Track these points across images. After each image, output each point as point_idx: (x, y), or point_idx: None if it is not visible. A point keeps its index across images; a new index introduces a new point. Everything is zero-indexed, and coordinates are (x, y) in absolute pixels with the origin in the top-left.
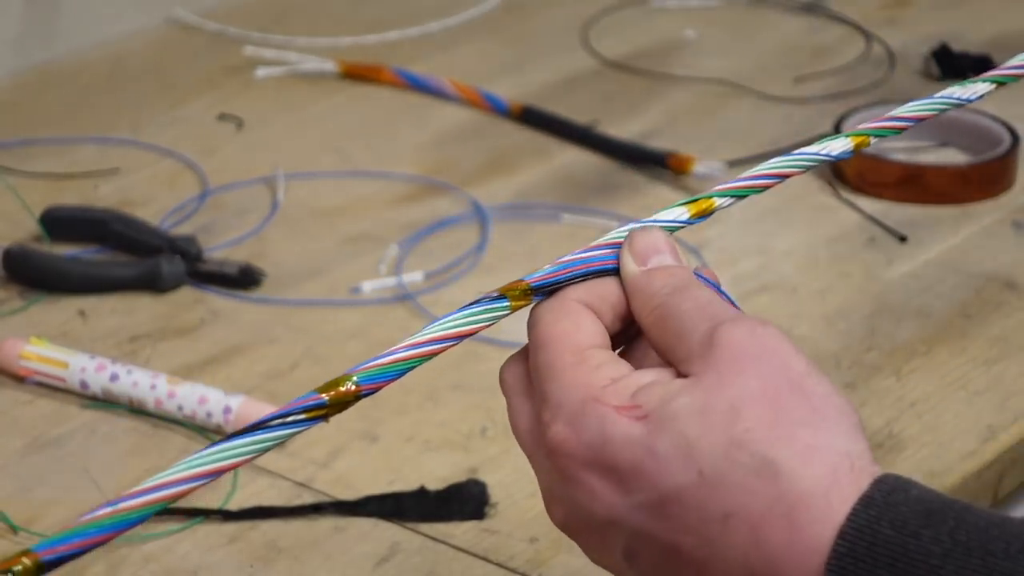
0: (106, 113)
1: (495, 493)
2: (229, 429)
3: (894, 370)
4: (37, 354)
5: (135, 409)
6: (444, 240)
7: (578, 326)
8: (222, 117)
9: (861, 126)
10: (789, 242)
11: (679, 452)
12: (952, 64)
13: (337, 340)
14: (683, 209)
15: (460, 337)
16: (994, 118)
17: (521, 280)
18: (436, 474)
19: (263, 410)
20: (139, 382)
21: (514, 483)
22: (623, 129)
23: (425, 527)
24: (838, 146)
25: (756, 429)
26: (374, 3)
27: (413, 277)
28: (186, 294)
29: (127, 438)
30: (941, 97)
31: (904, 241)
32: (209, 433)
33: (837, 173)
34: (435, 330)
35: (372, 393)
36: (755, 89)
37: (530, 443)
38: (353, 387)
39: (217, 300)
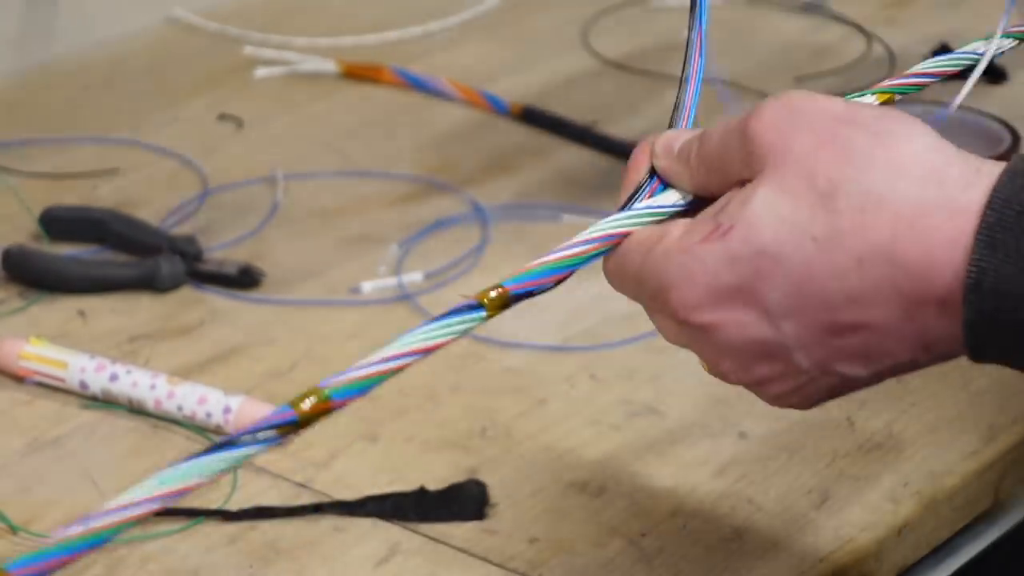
0: (106, 113)
1: (495, 493)
2: (229, 429)
3: None
4: (37, 354)
5: (135, 409)
6: (444, 240)
7: (630, 240)
8: (222, 117)
9: (886, 83)
10: None
11: (784, 234)
12: None
13: (337, 340)
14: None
15: (436, 348)
16: (994, 118)
17: (500, 286)
18: (436, 474)
19: (263, 410)
20: (139, 382)
21: (514, 483)
22: (623, 129)
23: (425, 527)
24: (866, 103)
25: (835, 173)
26: (374, 3)
27: (413, 277)
28: (186, 294)
29: (127, 438)
30: (964, 52)
31: None
32: (209, 433)
33: None
34: (411, 341)
35: (343, 407)
36: (755, 89)
37: (676, 335)
38: (325, 403)
39: (217, 300)
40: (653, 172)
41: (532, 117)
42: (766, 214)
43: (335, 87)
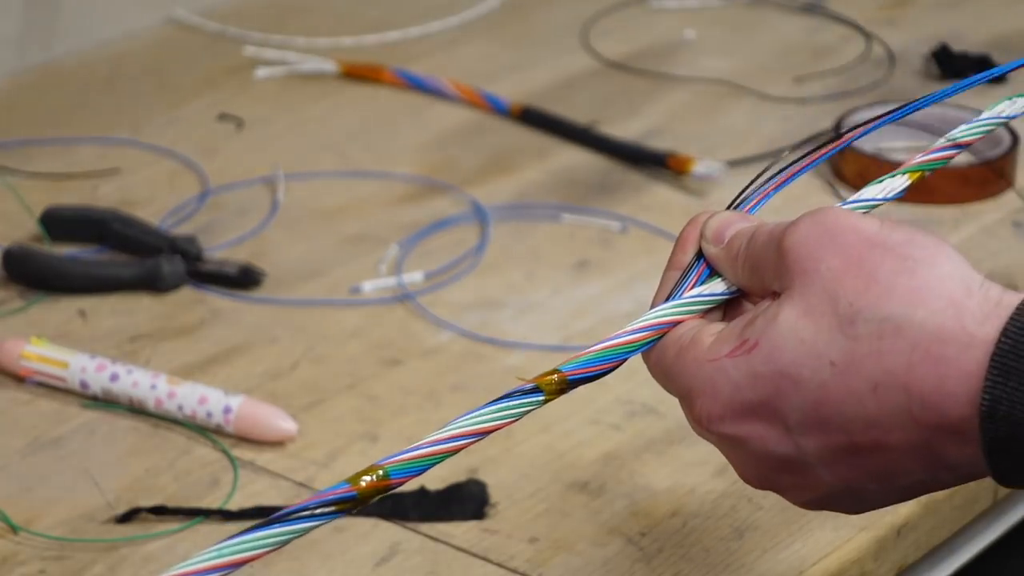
0: (106, 113)
1: (495, 493)
2: (229, 429)
3: None
4: (37, 354)
5: (135, 409)
6: (444, 240)
7: (669, 335)
8: (222, 117)
9: (915, 160)
10: None
11: (803, 357)
12: (952, 64)
13: (337, 340)
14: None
15: (493, 431)
16: None
17: (557, 371)
18: (436, 474)
19: (263, 410)
20: (139, 382)
21: (514, 483)
22: (623, 129)
23: (425, 527)
24: (898, 184)
25: (857, 299)
26: (374, 3)
27: (413, 277)
28: (186, 294)
29: (127, 438)
30: (989, 117)
31: None
32: (209, 433)
33: (837, 173)
34: (469, 423)
35: (401, 485)
36: (755, 89)
37: (701, 433)
38: (383, 480)
39: (217, 300)
40: (700, 254)
41: (532, 117)
42: (789, 335)
43: (335, 87)
